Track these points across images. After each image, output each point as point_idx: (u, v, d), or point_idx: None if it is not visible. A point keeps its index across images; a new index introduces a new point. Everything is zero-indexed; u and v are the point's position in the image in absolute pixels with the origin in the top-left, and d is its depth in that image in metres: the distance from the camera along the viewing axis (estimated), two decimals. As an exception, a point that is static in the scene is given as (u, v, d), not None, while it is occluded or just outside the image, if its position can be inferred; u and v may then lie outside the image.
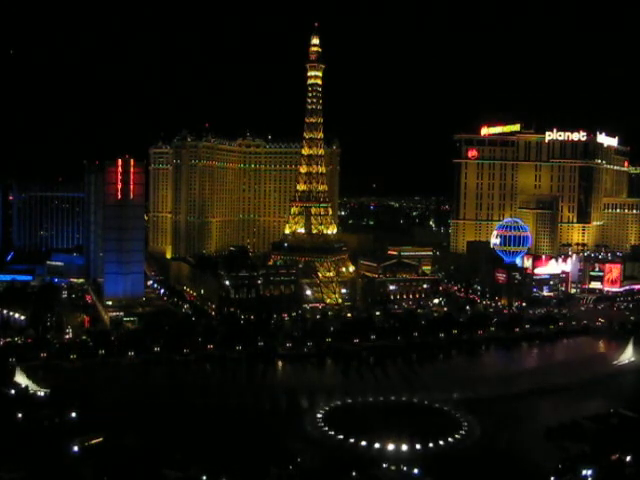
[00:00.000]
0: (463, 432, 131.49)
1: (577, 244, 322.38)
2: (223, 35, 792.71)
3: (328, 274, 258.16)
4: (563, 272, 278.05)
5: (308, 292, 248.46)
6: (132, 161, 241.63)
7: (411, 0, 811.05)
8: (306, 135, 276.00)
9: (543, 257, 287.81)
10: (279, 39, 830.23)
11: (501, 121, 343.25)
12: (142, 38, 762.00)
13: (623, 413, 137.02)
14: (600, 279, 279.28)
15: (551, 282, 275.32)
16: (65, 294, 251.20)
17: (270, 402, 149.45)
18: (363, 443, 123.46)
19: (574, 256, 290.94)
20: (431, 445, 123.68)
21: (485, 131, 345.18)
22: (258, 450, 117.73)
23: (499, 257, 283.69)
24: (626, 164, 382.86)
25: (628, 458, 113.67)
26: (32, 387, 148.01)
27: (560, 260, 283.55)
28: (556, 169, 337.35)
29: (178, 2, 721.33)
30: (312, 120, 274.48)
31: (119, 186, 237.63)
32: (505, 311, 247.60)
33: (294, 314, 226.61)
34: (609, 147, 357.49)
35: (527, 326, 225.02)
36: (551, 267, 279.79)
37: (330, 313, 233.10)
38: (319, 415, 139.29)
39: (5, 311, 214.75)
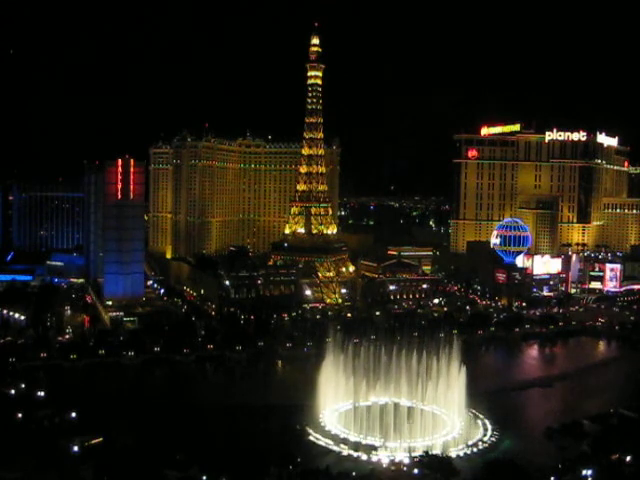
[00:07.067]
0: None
1: (577, 244, 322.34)
2: (223, 35, 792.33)
3: (328, 274, 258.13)
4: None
5: (308, 292, 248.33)
6: (132, 161, 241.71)
7: (411, 0, 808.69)
8: (306, 135, 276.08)
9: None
10: (279, 39, 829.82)
11: (501, 121, 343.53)
12: (142, 38, 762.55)
13: (623, 413, 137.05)
14: (600, 279, 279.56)
15: (551, 282, 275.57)
16: (65, 294, 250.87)
17: (270, 402, 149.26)
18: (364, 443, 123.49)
19: (574, 256, 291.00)
20: (429, 444, 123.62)
21: (485, 131, 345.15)
22: (258, 450, 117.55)
23: (499, 257, 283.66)
24: (626, 164, 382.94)
25: (628, 458, 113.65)
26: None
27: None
28: (556, 169, 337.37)
29: (178, 1, 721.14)
30: (312, 120, 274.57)
31: (119, 186, 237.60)
32: (505, 311, 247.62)
33: (294, 314, 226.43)
34: (609, 147, 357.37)
35: (527, 326, 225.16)
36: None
37: (330, 313, 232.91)
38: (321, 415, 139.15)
39: (5, 311, 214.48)
